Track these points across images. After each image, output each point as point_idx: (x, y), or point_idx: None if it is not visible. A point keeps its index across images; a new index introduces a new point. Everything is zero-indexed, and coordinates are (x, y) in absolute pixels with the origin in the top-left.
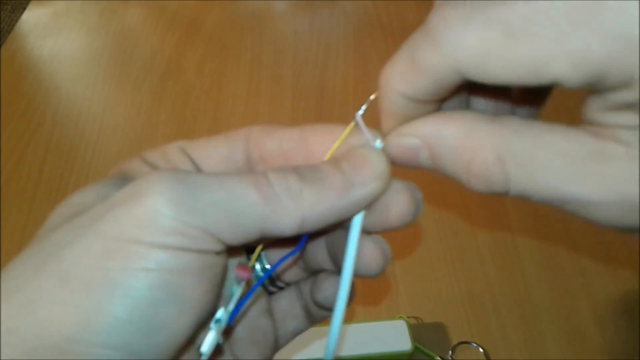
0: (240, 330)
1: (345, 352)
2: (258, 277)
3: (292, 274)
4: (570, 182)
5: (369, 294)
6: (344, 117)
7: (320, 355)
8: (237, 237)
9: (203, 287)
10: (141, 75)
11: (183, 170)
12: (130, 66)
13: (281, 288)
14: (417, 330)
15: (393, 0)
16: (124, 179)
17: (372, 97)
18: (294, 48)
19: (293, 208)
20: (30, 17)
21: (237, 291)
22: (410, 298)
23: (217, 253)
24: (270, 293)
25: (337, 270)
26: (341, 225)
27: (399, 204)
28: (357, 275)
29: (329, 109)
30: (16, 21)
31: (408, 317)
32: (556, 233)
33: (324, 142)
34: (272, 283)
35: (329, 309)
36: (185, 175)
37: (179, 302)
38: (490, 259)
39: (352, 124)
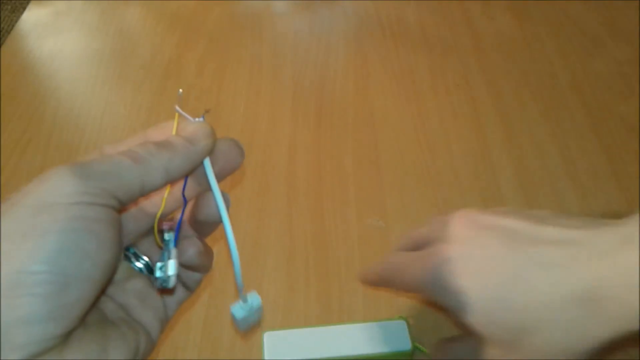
0: (130, 299)
1: (345, 352)
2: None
3: (144, 247)
4: None
5: (370, 294)
6: (344, 117)
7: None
8: (126, 192)
9: (111, 232)
10: (141, 75)
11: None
12: (130, 66)
13: (141, 261)
14: (416, 330)
15: (393, 0)
16: None
17: (180, 91)
18: (294, 48)
19: (157, 163)
20: (30, 17)
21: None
22: (409, 298)
23: (115, 209)
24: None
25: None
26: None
27: (229, 150)
28: (226, 172)
29: (328, 108)
30: (16, 21)
31: (407, 317)
32: None
33: (163, 134)
34: (136, 258)
35: (211, 224)
36: (78, 161)
37: (96, 240)
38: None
39: (176, 115)
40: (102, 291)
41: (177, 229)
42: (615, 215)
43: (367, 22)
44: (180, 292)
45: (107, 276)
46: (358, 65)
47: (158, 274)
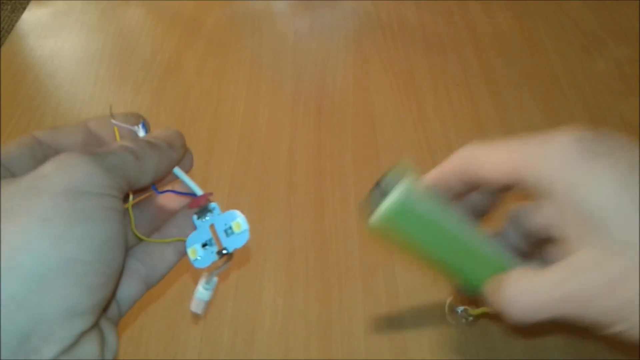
0: None
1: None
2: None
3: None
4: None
5: (370, 294)
6: (344, 117)
7: None
8: (129, 185)
9: (124, 219)
10: (141, 75)
11: (87, 150)
12: (130, 66)
13: None
14: None
15: (393, 0)
16: None
17: (110, 106)
18: (294, 48)
19: (150, 164)
20: (30, 17)
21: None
22: (411, 299)
23: (120, 199)
24: None
25: None
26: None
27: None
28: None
29: (328, 108)
30: (16, 21)
31: None
32: None
33: (103, 127)
34: None
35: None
36: (89, 151)
37: (124, 233)
38: None
39: (115, 128)
40: None
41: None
42: None
43: (367, 22)
44: (135, 286)
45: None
46: (358, 65)
47: (201, 252)
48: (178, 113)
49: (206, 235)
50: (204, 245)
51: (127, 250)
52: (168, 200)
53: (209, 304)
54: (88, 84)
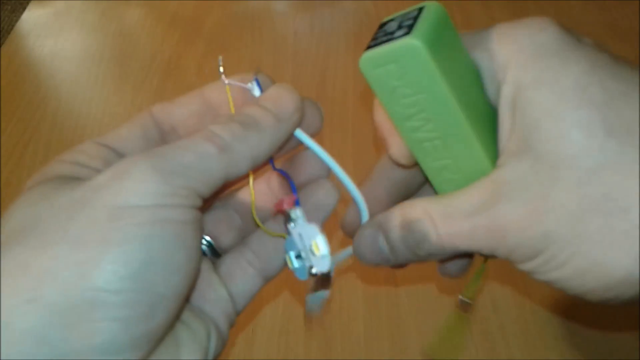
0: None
1: None
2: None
3: (229, 238)
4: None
5: (369, 294)
6: (344, 117)
7: None
8: (209, 187)
9: (198, 237)
10: (141, 75)
11: (150, 149)
12: (130, 66)
13: (219, 255)
14: None
15: (393, 0)
16: (59, 178)
17: (220, 58)
18: (294, 48)
19: (244, 150)
20: (30, 17)
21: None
22: (411, 299)
23: (198, 208)
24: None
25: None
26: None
27: (310, 114)
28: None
29: (329, 109)
30: (16, 21)
31: None
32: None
33: (221, 95)
34: (214, 253)
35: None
36: (156, 149)
37: (184, 248)
38: (491, 260)
39: (227, 88)
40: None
41: (298, 203)
42: None
43: (367, 22)
44: (251, 280)
45: (191, 288)
46: (358, 65)
47: (296, 264)
48: None
49: (297, 244)
50: (297, 256)
51: (197, 265)
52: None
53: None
54: (88, 84)
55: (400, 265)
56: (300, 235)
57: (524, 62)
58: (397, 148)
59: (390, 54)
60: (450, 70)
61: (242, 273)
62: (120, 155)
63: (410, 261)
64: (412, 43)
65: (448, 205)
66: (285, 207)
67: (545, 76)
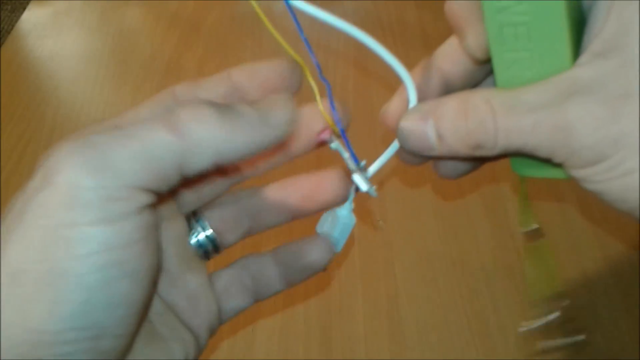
0: (180, 301)
1: None
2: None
3: (233, 236)
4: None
5: (369, 294)
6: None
7: None
8: (161, 181)
9: (148, 253)
10: (141, 75)
11: (90, 135)
12: (130, 66)
13: (219, 252)
14: None
15: (393, 0)
16: None
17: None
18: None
19: (208, 140)
20: (30, 17)
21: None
22: (411, 299)
23: (149, 205)
24: (208, 259)
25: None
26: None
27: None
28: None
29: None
30: (16, 21)
31: None
32: (555, 233)
33: (252, 81)
34: (215, 248)
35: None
36: (93, 138)
37: (129, 276)
38: (491, 260)
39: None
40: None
41: (344, 136)
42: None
43: (367, 22)
44: (243, 300)
45: (149, 297)
46: (358, 65)
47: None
48: None
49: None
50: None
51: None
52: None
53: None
54: (88, 84)
55: (442, 159)
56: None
57: None
58: (474, 37)
59: None
60: None
61: (236, 292)
62: None
63: (455, 155)
64: None
65: (514, 97)
66: (325, 137)
67: None
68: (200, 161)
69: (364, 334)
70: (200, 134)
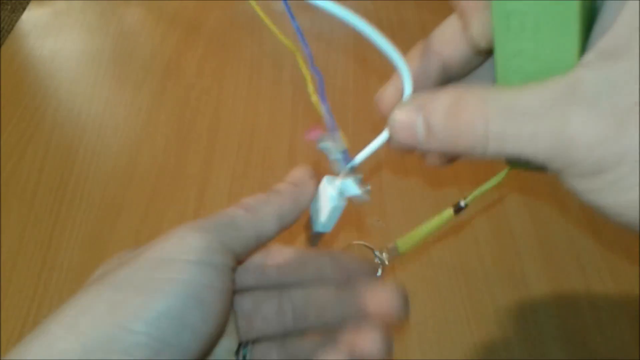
0: None
1: None
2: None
3: (269, 327)
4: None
5: None
6: (344, 117)
7: None
8: (242, 245)
9: (221, 302)
10: (141, 75)
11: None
12: (130, 66)
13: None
14: None
15: (393, 0)
16: None
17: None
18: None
19: (268, 210)
20: (30, 17)
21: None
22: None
23: (232, 268)
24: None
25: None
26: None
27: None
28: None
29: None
30: (16, 21)
31: None
32: (555, 233)
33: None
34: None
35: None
36: (195, 220)
37: (202, 309)
38: (490, 260)
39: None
40: None
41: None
42: None
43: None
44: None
45: (206, 349)
46: (358, 65)
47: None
48: (178, 113)
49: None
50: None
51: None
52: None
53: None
54: (88, 84)
55: (428, 152)
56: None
57: None
58: (478, 25)
59: None
60: None
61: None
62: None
63: (443, 152)
64: None
65: (512, 100)
66: (314, 137)
67: None
68: (269, 227)
69: None
70: (263, 208)
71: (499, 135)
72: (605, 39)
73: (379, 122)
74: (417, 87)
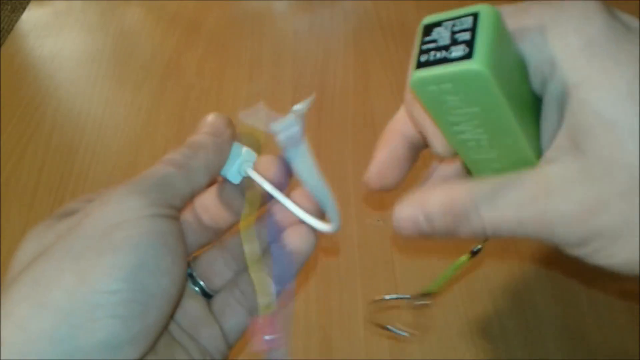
0: (183, 325)
1: None
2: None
3: (222, 280)
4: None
5: (369, 295)
6: (344, 117)
7: None
8: (179, 198)
9: (181, 245)
10: (141, 75)
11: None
12: (130, 66)
13: (210, 297)
14: None
15: (393, 0)
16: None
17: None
18: (294, 48)
19: (197, 165)
20: (30, 17)
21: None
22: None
23: (177, 219)
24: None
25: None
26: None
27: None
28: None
29: (329, 109)
30: (16, 21)
31: None
32: None
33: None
34: (204, 294)
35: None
36: (128, 180)
37: (171, 254)
38: (491, 261)
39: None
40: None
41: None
42: None
43: (367, 22)
44: (241, 317)
45: (181, 292)
46: (358, 65)
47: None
48: (178, 113)
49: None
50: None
51: (183, 272)
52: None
53: None
54: (88, 84)
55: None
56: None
57: (573, 60)
58: (440, 144)
59: (449, 76)
60: (507, 81)
61: (232, 311)
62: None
63: (450, 237)
64: (476, 69)
65: (495, 192)
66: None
67: (597, 79)
68: (201, 179)
69: (363, 334)
70: (192, 163)
71: (492, 222)
72: (558, 138)
73: (379, 123)
74: (392, 166)
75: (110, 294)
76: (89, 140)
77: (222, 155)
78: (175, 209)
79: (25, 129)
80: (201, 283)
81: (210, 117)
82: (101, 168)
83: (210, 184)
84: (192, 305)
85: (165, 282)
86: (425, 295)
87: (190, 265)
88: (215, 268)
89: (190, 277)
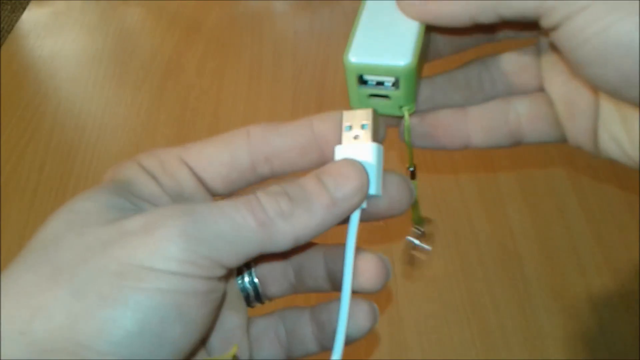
0: (214, 340)
1: None
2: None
3: (278, 288)
4: None
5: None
6: None
7: None
8: (238, 260)
9: (206, 309)
10: (141, 75)
11: (190, 204)
12: (130, 66)
13: (262, 302)
14: None
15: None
16: (123, 187)
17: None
18: (294, 48)
19: (287, 229)
20: (30, 17)
21: None
22: (411, 299)
23: (220, 278)
24: (250, 306)
25: (335, 288)
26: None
27: (396, 194)
28: (356, 290)
29: (328, 109)
30: (16, 21)
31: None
32: (554, 233)
33: (330, 129)
34: (257, 297)
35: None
36: (192, 208)
37: (184, 322)
38: (491, 261)
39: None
40: None
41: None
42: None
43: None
44: (274, 354)
45: (189, 354)
46: None
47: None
48: (178, 113)
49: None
50: None
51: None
52: None
53: None
54: (88, 84)
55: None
56: None
57: None
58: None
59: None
60: None
61: (270, 345)
62: (198, 180)
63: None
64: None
65: None
66: None
67: None
68: (279, 247)
69: None
70: (281, 225)
71: None
72: None
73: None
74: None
75: (95, 352)
76: (89, 140)
77: (324, 227)
78: (224, 269)
79: (25, 129)
80: (257, 283)
81: (343, 164)
82: (101, 168)
83: None
84: (231, 319)
85: (164, 354)
86: (418, 225)
87: (251, 263)
88: (274, 276)
89: (248, 272)
